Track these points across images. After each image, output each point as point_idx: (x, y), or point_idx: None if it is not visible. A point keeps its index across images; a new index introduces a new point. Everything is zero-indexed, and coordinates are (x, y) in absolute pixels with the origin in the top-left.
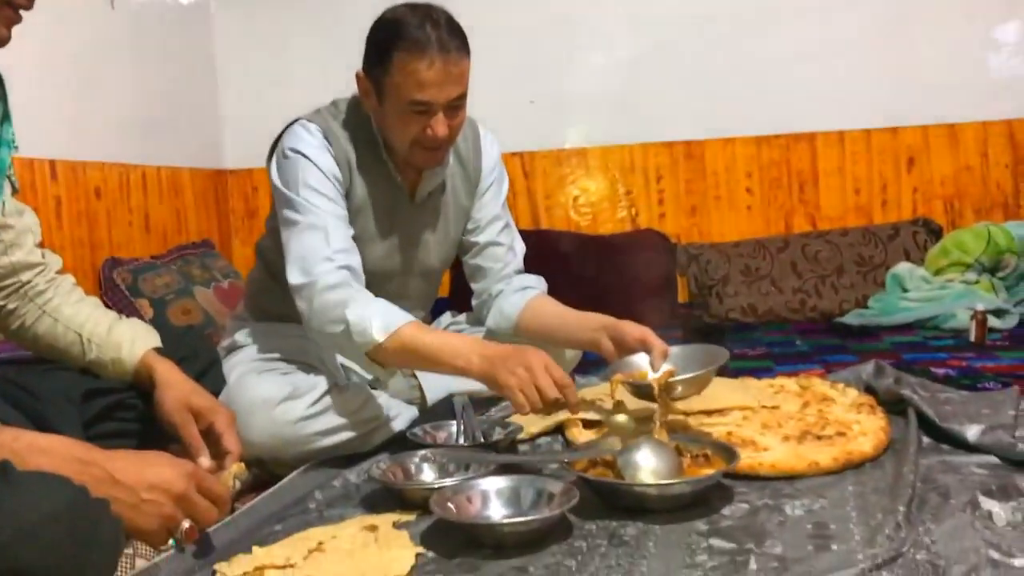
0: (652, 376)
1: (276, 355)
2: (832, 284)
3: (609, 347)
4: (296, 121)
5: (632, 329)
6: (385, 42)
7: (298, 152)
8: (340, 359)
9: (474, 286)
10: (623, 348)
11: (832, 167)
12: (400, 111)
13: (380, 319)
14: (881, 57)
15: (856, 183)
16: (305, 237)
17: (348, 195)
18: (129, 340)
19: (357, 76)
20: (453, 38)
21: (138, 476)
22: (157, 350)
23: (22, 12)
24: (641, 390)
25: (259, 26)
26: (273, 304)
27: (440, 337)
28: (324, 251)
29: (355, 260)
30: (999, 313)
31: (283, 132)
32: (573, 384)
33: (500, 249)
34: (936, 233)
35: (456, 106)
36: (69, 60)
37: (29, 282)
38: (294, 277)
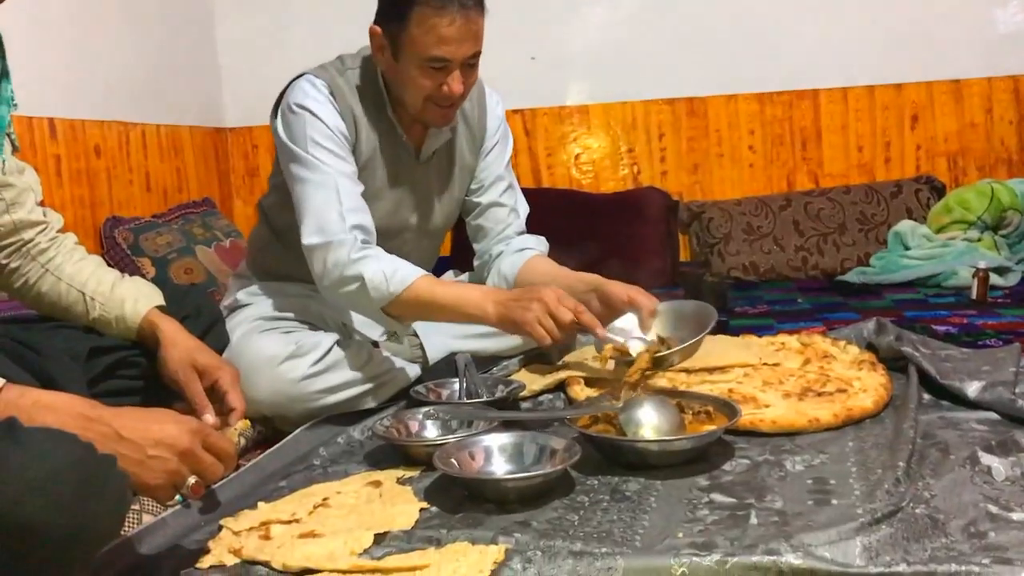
0: (637, 344)
1: (279, 314)
2: (834, 242)
3: (597, 310)
4: (301, 76)
5: (619, 290)
6: None
7: (304, 108)
8: (346, 318)
9: (476, 246)
10: (612, 309)
11: (835, 124)
12: (416, 67)
13: (395, 274)
14: (886, 12)
15: (859, 140)
16: (317, 196)
17: (354, 151)
18: (132, 298)
19: (371, 31)
20: None
21: (144, 432)
22: (161, 308)
23: None
24: (630, 362)
25: None
26: (275, 262)
27: (454, 289)
28: (337, 210)
29: (367, 218)
30: (1001, 271)
31: (287, 87)
32: (586, 309)
33: (502, 210)
34: (939, 191)
35: (472, 64)
36: (67, 17)
37: (31, 240)
38: (308, 237)
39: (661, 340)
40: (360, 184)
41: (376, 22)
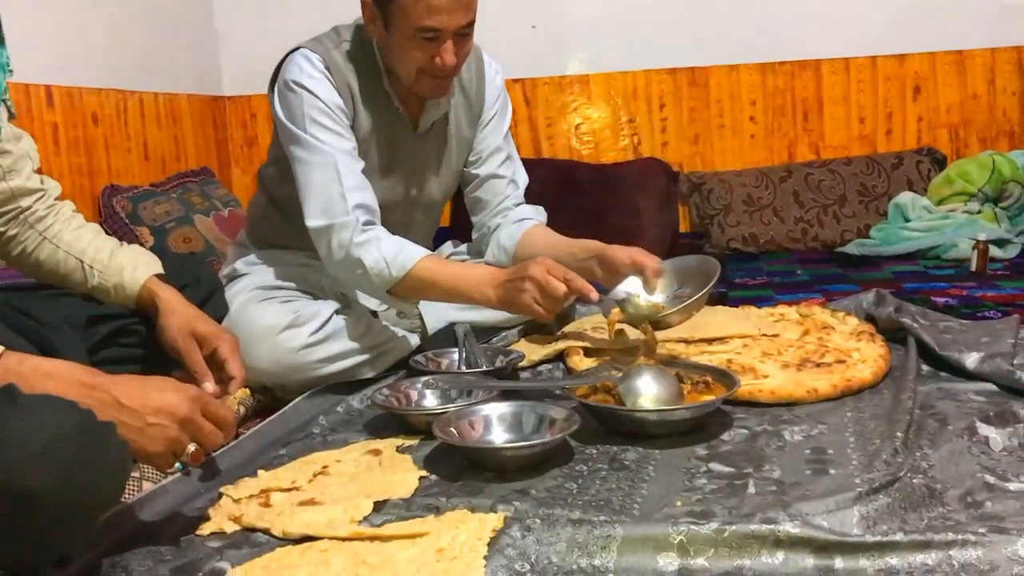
0: (644, 298)
1: (278, 283)
2: (834, 214)
3: (600, 276)
4: (296, 50)
5: (621, 253)
6: None
7: (301, 86)
8: (345, 288)
9: (474, 219)
10: (614, 273)
11: (837, 95)
12: (408, 38)
13: (396, 258)
14: None
15: (861, 111)
16: (318, 177)
17: (352, 127)
18: (131, 266)
19: (362, 1)
20: None
21: (143, 400)
22: (160, 276)
23: None
24: (636, 323)
25: None
26: (274, 231)
27: (455, 271)
28: (338, 190)
29: (369, 196)
30: (1001, 243)
31: (283, 61)
32: (576, 276)
33: (501, 182)
34: (940, 163)
35: (464, 34)
36: None
37: (29, 208)
38: (312, 220)
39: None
40: (360, 160)
41: None
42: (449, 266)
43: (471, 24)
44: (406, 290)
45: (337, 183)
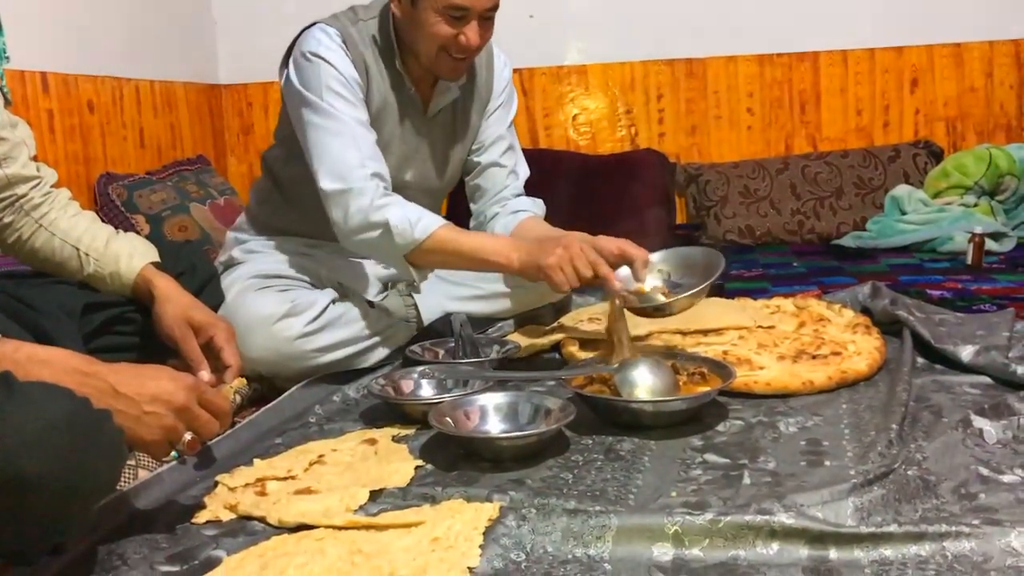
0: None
1: (274, 271)
2: (831, 206)
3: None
4: (313, 25)
5: (608, 244)
6: None
7: (318, 56)
8: (342, 276)
9: (473, 207)
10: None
11: (835, 87)
12: (436, 11)
13: (420, 221)
14: None
15: (858, 104)
16: (334, 143)
17: (365, 101)
18: (127, 254)
19: None
20: None
21: (140, 388)
22: (156, 265)
23: None
24: (638, 311)
25: None
26: (276, 215)
27: (477, 237)
28: (356, 157)
29: (383, 167)
30: (997, 236)
31: (299, 36)
32: (604, 262)
33: (501, 171)
34: (937, 155)
35: (488, 18)
36: None
37: (25, 195)
38: (327, 183)
39: (667, 289)
40: (373, 132)
41: None
42: (471, 233)
43: (495, 8)
44: (425, 253)
45: (355, 149)
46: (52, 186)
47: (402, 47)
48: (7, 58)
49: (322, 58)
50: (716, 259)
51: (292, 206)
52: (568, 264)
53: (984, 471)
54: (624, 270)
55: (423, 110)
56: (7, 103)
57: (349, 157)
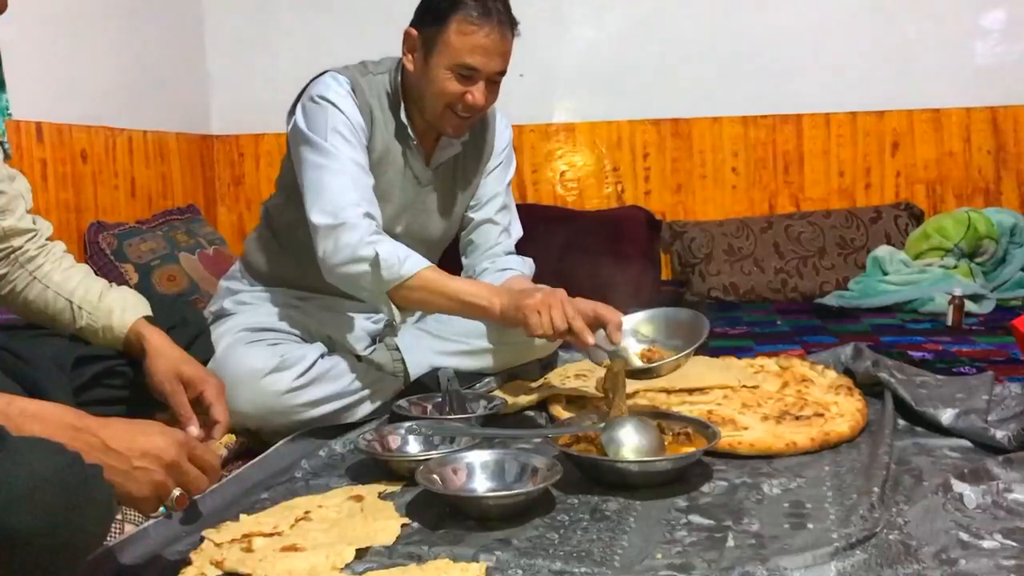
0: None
1: (264, 324)
2: (814, 265)
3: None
4: (325, 72)
5: (583, 306)
6: (448, 3)
7: (326, 99)
8: (330, 330)
9: (464, 260)
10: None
11: (817, 149)
12: (447, 68)
13: (408, 258)
14: (869, 40)
15: (841, 165)
16: (332, 181)
17: (368, 148)
18: (120, 308)
19: (406, 32)
20: (509, 17)
21: (130, 443)
22: (147, 319)
23: None
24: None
25: None
26: (271, 263)
27: (461, 281)
28: (352, 196)
29: (377, 211)
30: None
31: (309, 83)
32: (580, 318)
33: (495, 228)
34: (918, 217)
35: (495, 81)
36: (57, 21)
37: (20, 248)
38: (318, 217)
39: (650, 350)
40: (372, 177)
41: (413, 24)
42: (456, 277)
43: (503, 72)
44: (409, 290)
45: (351, 190)
46: (47, 239)
47: (409, 101)
48: (9, 114)
49: (330, 101)
50: (701, 322)
51: (287, 252)
52: (546, 310)
53: (964, 536)
54: (600, 332)
55: (425, 163)
56: (7, 157)
57: (345, 195)
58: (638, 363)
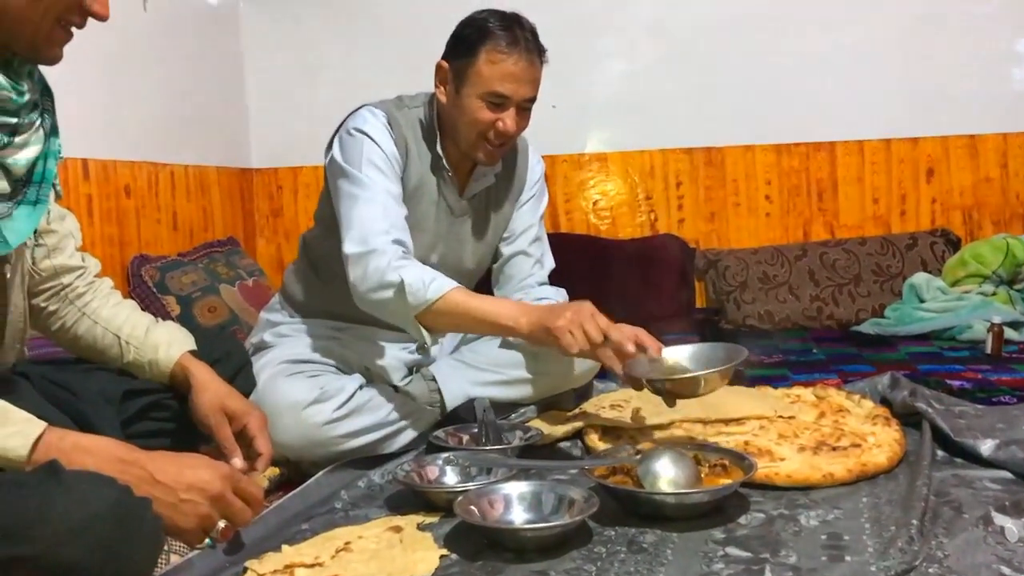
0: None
1: (304, 356)
2: (849, 292)
3: (609, 355)
4: (362, 107)
5: (625, 330)
6: (477, 35)
7: (362, 132)
8: (368, 361)
9: (496, 292)
10: (621, 353)
11: (851, 176)
12: (478, 97)
13: (434, 282)
14: (902, 67)
15: (875, 192)
16: (365, 210)
17: (403, 179)
18: (166, 343)
19: (438, 65)
20: (537, 45)
21: (177, 476)
22: (192, 353)
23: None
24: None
25: (286, 28)
26: (309, 295)
27: (487, 301)
28: (382, 224)
29: (408, 238)
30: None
31: (347, 117)
32: (617, 328)
33: (527, 260)
34: (954, 244)
35: (526, 108)
36: (102, 61)
37: (69, 285)
38: (350, 246)
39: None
40: (404, 208)
41: (444, 57)
42: (483, 296)
43: (533, 100)
44: (436, 315)
45: (382, 219)
46: (95, 275)
47: (443, 133)
48: (62, 157)
49: (366, 134)
50: (739, 351)
51: (324, 284)
52: (578, 327)
53: (1006, 570)
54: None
55: (459, 193)
56: (58, 196)
57: (375, 223)
58: (679, 371)
